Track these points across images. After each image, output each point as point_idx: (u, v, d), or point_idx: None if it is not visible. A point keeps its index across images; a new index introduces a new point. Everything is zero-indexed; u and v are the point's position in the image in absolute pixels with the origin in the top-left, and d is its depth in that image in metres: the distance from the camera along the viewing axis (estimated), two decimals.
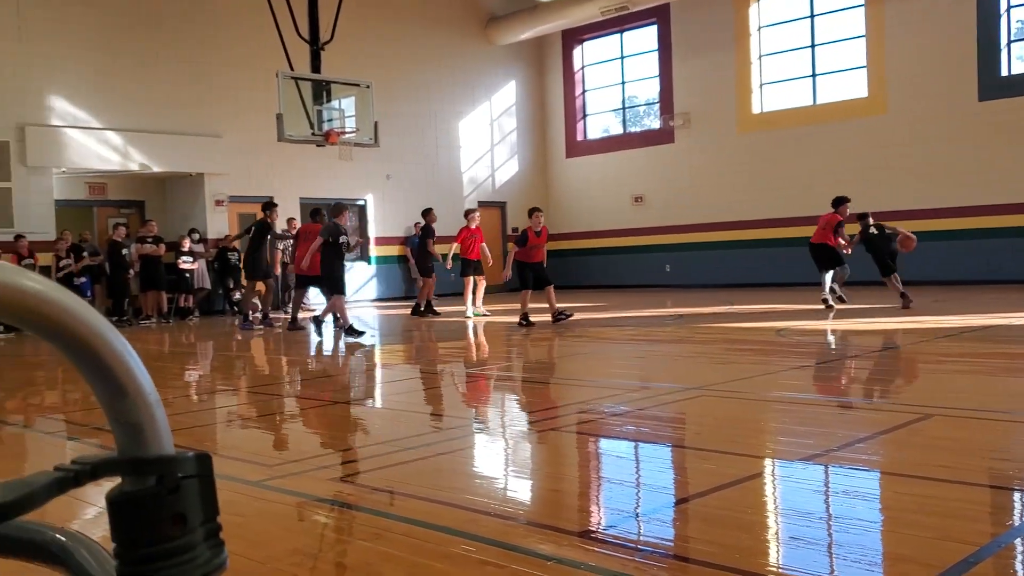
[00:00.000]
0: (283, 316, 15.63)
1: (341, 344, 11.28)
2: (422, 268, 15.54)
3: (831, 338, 9.81)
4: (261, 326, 14.02)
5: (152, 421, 0.55)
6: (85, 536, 0.63)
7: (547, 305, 12.47)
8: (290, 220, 17.81)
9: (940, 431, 4.72)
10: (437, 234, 15.56)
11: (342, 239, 11.93)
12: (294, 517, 3.48)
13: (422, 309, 15.23)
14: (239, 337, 12.94)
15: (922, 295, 15.13)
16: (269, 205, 14.06)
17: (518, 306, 12.69)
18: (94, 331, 0.53)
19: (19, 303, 0.50)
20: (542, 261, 12.89)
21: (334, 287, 11.90)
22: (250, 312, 14.46)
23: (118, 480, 0.55)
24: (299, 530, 3.30)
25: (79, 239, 16.35)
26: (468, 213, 14.93)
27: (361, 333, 11.62)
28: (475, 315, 14.46)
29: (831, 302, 12.99)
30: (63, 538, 0.61)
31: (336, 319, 12.23)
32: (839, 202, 13.40)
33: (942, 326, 10.29)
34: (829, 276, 13.13)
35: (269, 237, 14.43)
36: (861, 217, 13.71)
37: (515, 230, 24.25)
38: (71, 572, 0.60)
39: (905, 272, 18.40)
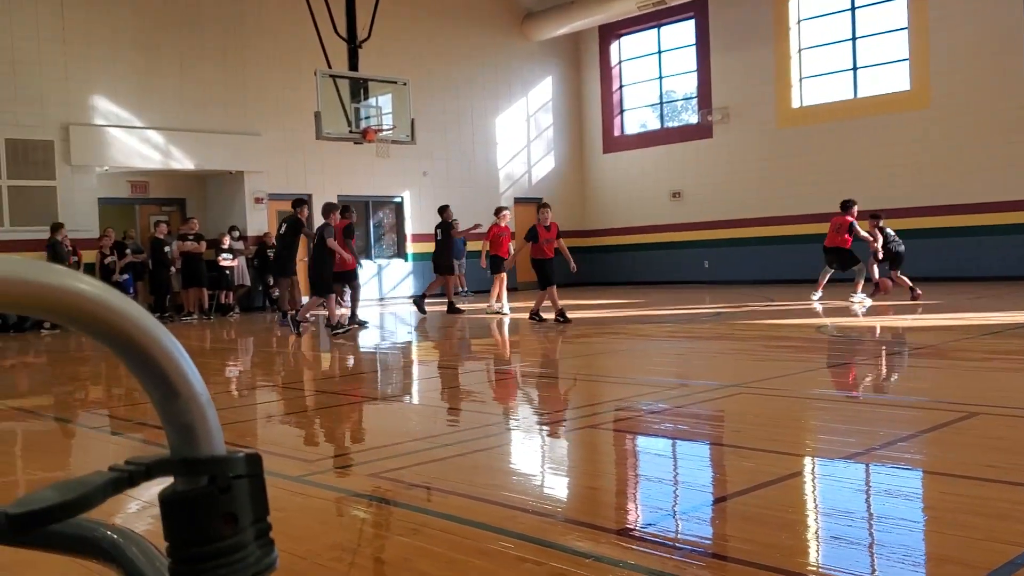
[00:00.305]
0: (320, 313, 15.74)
1: (375, 342, 11.34)
2: (442, 266, 15.46)
3: (872, 335, 9.67)
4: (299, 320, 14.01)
5: (204, 422, 0.56)
6: (137, 534, 0.63)
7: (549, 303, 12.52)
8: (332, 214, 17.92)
9: (986, 430, 4.63)
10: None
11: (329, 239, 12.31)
12: (333, 512, 3.50)
13: (455, 306, 15.25)
14: (278, 333, 13.07)
15: (967, 292, 14.88)
16: (299, 202, 14.01)
17: (532, 303, 12.81)
18: (147, 333, 0.53)
19: (73, 306, 0.50)
20: (552, 257, 12.83)
21: (324, 288, 12.25)
22: (288, 309, 14.55)
23: (170, 480, 0.56)
24: (338, 525, 3.32)
25: (123, 237, 16.62)
26: (499, 211, 14.94)
27: (347, 330, 12.00)
28: (497, 312, 14.44)
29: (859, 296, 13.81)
30: (115, 535, 0.61)
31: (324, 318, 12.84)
32: (848, 205, 13.99)
33: (987, 323, 10.10)
34: (861, 268, 13.81)
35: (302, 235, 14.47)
36: (874, 216, 14.09)
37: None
38: (123, 569, 0.61)
39: (951, 269, 18.17)
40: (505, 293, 14.66)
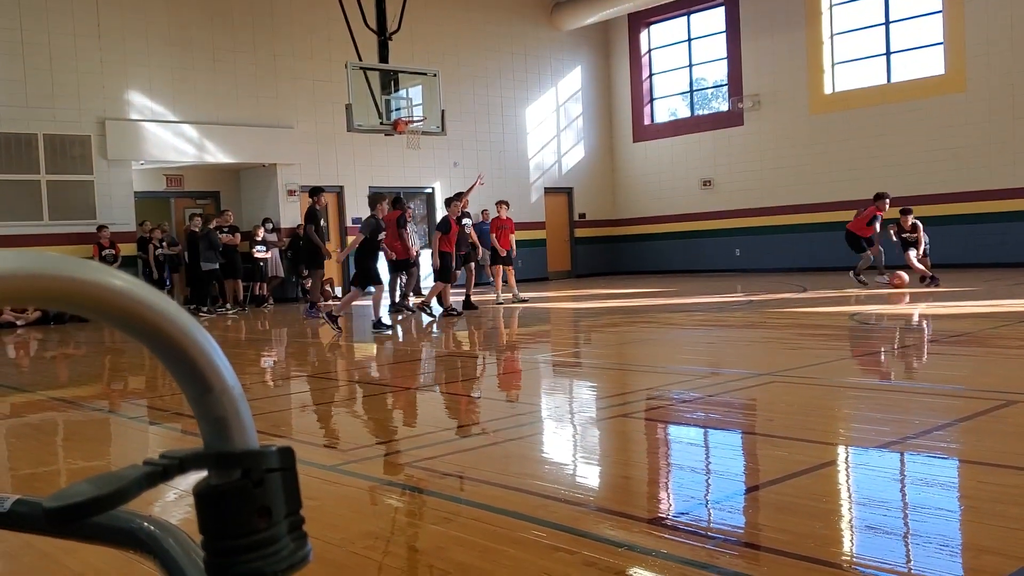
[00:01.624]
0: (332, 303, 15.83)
1: (408, 330, 11.39)
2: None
3: (907, 323, 9.57)
4: (336, 315, 13.92)
5: (237, 416, 0.56)
6: (173, 525, 0.65)
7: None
8: (407, 209, 17.90)
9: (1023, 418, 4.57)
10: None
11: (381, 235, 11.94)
12: (367, 501, 3.54)
13: (472, 305, 14.37)
14: (310, 324, 13.17)
15: (1005, 278, 14.66)
16: (316, 191, 14.04)
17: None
18: (180, 328, 0.54)
19: (108, 301, 0.51)
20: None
21: (369, 281, 11.64)
22: (320, 300, 14.68)
23: (204, 473, 0.56)
24: (372, 513, 3.36)
25: (160, 229, 16.86)
26: (499, 204, 14.88)
27: (388, 327, 11.48)
28: (516, 301, 14.37)
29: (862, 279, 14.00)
30: (152, 526, 0.62)
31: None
32: (879, 197, 14.11)
33: (1022, 310, 9.95)
34: (866, 257, 14.08)
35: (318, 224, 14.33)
36: (905, 212, 14.13)
37: (582, 215, 24.21)
38: (159, 560, 0.62)
39: (988, 255, 17.89)
40: (502, 284, 14.62)
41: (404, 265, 13.91)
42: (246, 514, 0.55)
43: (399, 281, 14.60)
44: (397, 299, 14.36)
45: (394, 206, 13.47)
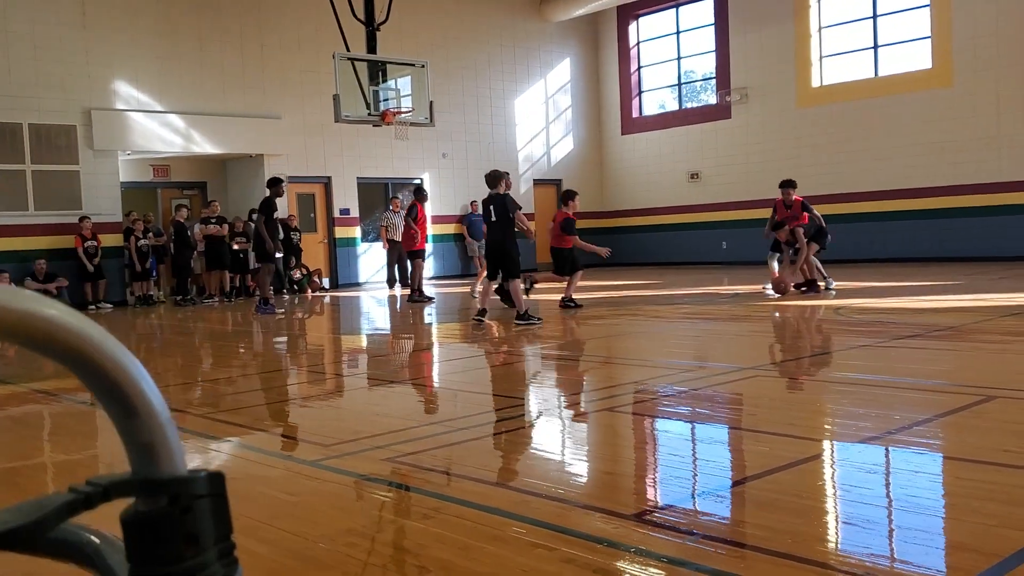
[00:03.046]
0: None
1: (390, 325, 11.36)
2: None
3: (890, 317, 9.61)
4: (282, 310, 13.54)
5: (164, 441, 0.55)
6: (119, 540, 0.64)
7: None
8: (393, 199, 17.92)
9: (1003, 414, 4.60)
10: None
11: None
12: (348, 497, 3.54)
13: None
14: (282, 315, 13.13)
15: (989, 272, 14.74)
16: (275, 181, 13.26)
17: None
18: (104, 353, 0.53)
19: (30, 327, 0.51)
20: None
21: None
22: (270, 295, 14.02)
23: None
24: (353, 510, 3.36)
25: (144, 219, 16.76)
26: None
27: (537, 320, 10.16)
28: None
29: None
30: (97, 540, 0.61)
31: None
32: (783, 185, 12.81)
33: (1007, 304, 10.01)
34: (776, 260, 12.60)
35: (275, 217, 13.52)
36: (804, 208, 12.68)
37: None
38: None
39: (973, 250, 17.99)
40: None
41: (419, 254, 14.56)
42: (172, 541, 0.54)
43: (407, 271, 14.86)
44: (416, 288, 14.44)
45: (416, 196, 14.24)
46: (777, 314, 10.39)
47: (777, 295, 12.06)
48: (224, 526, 0.57)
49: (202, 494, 0.55)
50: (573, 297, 11.58)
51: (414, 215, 14.82)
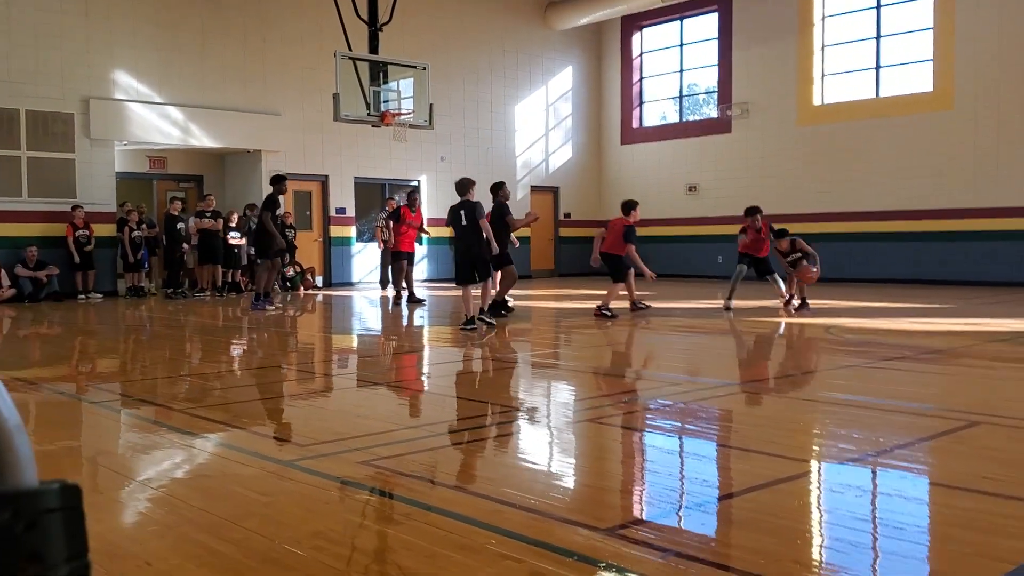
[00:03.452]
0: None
1: (382, 326, 11.30)
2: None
3: (880, 338, 9.58)
4: (273, 307, 13.41)
5: (11, 451, 0.51)
6: None
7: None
8: (389, 200, 17.99)
9: (987, 440, 4.57)
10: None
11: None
12: (319, 499, 3.49)
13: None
14: (271, 310, 13.06)
15: (984, 297, 14.73)
16: (279, 178, 13.27)
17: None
18: None
19: None
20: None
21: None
22: (272, 291, 14.16)
23: None
24: (323, 512, 3.31)
25: (137, 211, 16.69)
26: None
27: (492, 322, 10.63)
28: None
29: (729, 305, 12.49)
30: None
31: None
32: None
33: (998, 329, 10.00)
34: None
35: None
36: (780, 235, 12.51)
37: (567, 215, 24.18)
38: None
39: (969, 273, 17.98)
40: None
41: (402, 256, 14.58)
42: (11, 560, 0.49)
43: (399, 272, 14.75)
44: (409, 290, 14.37)
45: (409, 199, 14.67)
46: (768, 331, 10.36)
47: (795, 310, 11.98)
48: (78, 543, 0.52)
49: (52, 508, 0.51)
50: (611, 307, 11.58)
51: (397, 217, 14.81)
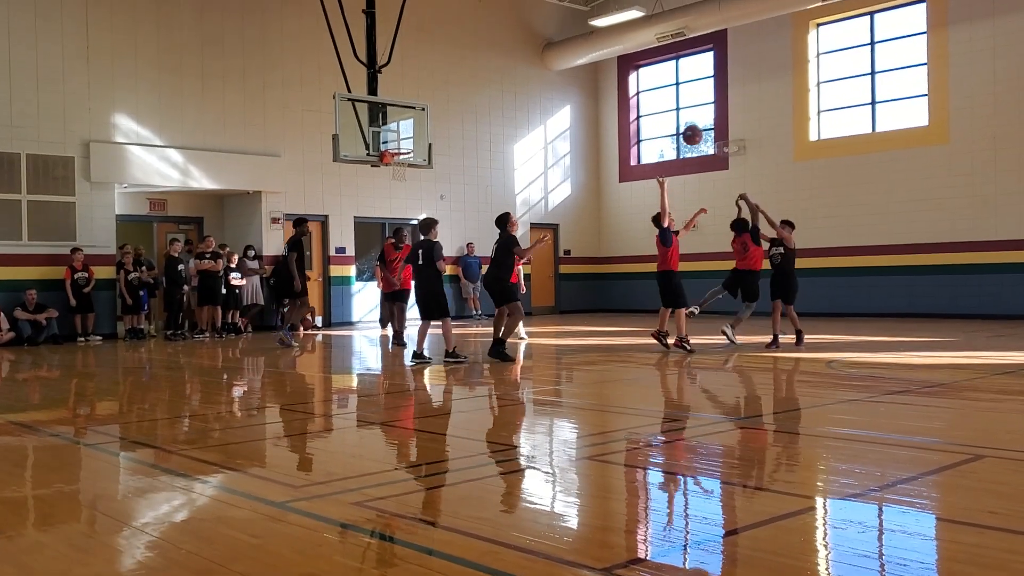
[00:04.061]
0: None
1: (382, 365, 11.25)
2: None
3: (882, 372, 9.53)
4: (297, 344, 14.21)
5: None
6: None
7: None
8: (388, 239, 17.91)
9: (991, 474, 4.51)
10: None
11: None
12: (311, 541, 3.43)
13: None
14: (294, 351, 13.02)
15: (984, 330, 14.68)
16: (301, 221, 14.21)
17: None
18: None
19: None
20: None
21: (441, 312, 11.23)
22: (298, 323, 14.77)
23: None
24: (314, 555, 3.25)
25: (135, 253, 16.70)
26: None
27: (464, 359, 10.97)
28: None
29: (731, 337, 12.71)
30: None
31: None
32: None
33: (1001, 362, 9.94)
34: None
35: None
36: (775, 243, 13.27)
37: (567, 252, 24.19)
38: None
39: (969, 307, 17.94)
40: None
41: (391, 297, 14.43)
42: None
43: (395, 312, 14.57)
44: (397, 330, 14.19)
45: (394, 236, 14.25)
46: (768, 366, 10.30)
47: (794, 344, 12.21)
48: None
49: None
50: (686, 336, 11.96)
51: (382, 258, 14.73)
